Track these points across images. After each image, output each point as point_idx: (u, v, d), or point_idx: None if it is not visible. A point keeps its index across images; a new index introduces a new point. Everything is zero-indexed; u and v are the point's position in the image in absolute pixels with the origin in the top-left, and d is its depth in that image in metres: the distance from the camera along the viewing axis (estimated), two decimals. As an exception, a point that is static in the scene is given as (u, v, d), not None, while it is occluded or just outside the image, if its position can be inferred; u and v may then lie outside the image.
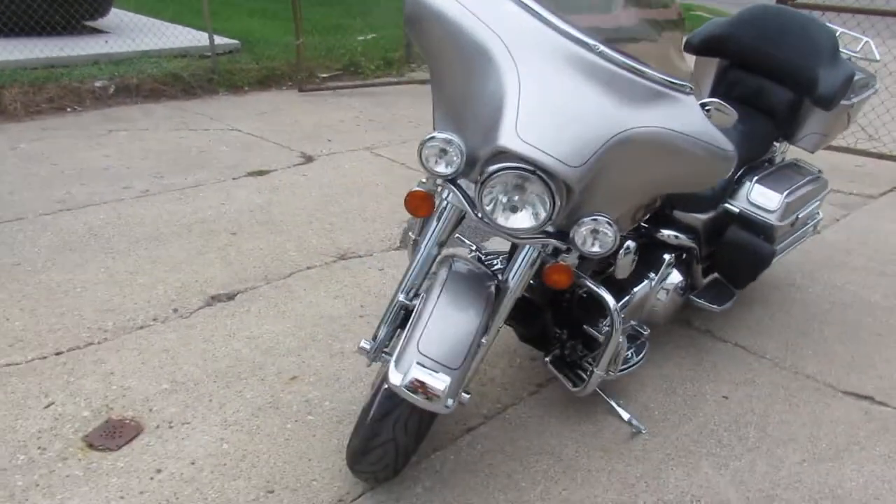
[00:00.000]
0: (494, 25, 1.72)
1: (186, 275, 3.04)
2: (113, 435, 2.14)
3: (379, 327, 1.97)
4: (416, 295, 1.93)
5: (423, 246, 1.93)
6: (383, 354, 1.95)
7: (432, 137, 1.71)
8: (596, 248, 1.73)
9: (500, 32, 1.71)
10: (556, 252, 1.88)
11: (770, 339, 2.76)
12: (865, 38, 2.81)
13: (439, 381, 1.60)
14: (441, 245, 1.94)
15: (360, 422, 2.05)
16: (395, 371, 1.63)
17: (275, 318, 2.77)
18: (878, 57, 2.78)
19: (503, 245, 2.16)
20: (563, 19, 1.72)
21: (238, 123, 5.26)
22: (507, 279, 1.91)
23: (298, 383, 2.40)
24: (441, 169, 1.74)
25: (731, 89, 2.73)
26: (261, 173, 4.31)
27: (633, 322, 2.34)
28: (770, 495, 1.98)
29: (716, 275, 2.69)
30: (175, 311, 2.78)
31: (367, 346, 1.94)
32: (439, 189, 1.87)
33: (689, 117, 1.75)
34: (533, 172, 1.61)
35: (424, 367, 1.62)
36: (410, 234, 2.32)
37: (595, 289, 1.96)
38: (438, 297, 1.74)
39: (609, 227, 1.69)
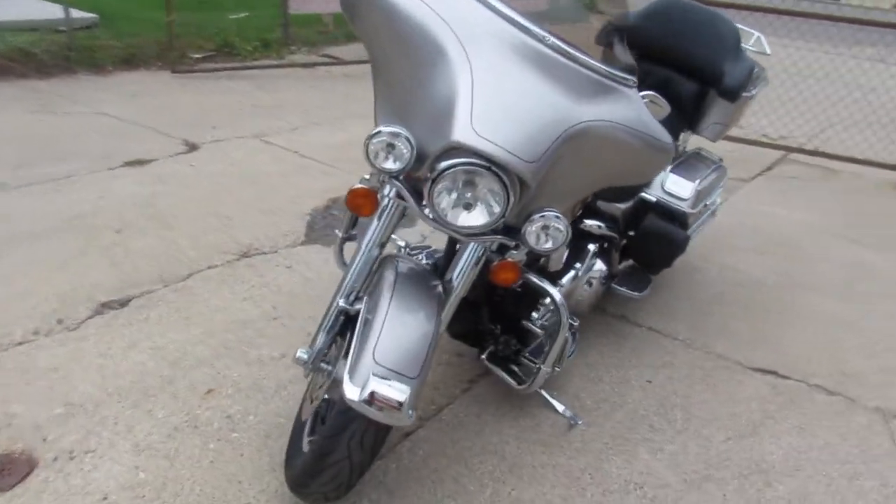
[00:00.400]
0: (444, 13, 1.62)
1: (69, 279, 2.71)
2: (1, 473, 1.87)
3: (316, 335, 1.84)
4: (358, 299, 1.82)
5: (363, 247, 1.81)
6: (322, 364, 1.82)
7: (379, 132, 1.59)
8: (549, 245, 1.69)
9: (450, 21, 1.62)
10: (501, 249, 1.83)
11: (679, 321, 2.88)
12: (757, 34, 2.96)
13: (400, 393, 1.50)
14: (382, 246, 1.83)
15: (294, 438, 1.91)
16: (351, 384, 1.51)
17: (179, 325, 2.53)
18: (768, 51, 2.94)
19: (438, 241, 2.09)
20: (512, 8, 1.65)
21: (106, 107, 4.79)
22: (450, 279, 1.83)
23: (216, 397, 2.21)
24: (389, 165, 1.62)
25: (639, 81, 2.78)
26: (140, 163, 3.95)
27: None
28: (705, 475, 2.06)
29: (630, 262, 2.76)
30: (60, 321, 2.48)
31: (305, 356, 1.80)
32: (382, 186, 1.76)
33: (634, 111, 1.75)
34: (488, 168, 1.54)
35: (382, 378, 1.51)
36: (338, 232, 2.20)
37: (541, 283, 1.93)
38: (390, 301, 1.63)
39: (561, 223, 1.66)
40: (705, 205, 2.71)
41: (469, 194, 1.60)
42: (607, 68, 1.69)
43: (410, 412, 1.53)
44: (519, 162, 1.53)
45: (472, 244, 1.81)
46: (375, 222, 1.80)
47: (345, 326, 1.84)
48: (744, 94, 2.67)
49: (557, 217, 1.65)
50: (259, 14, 8.60)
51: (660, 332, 2.78)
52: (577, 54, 1.65)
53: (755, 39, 2.95)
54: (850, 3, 18.83)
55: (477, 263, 1.83)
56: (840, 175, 4.96)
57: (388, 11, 1.65)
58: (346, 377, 1.53)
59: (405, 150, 1.60)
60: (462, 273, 1.82)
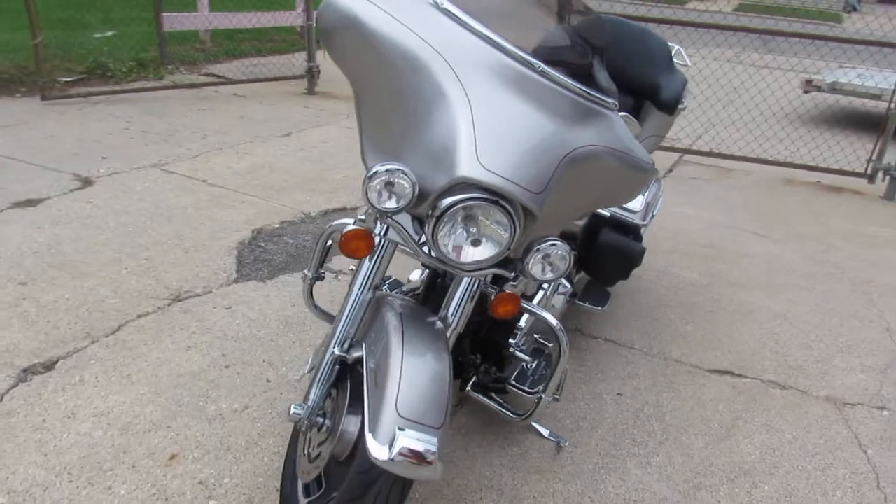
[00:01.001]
0: (433, 41, 1.55)
1: (-22, 346, 2.39)
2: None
3: (310, 388, 1.70)
4: (353, 346, 1.70)
5: (356, 290, 1.70)
6: (318, 419, 1.69)
7: (377, 171, 1.48)
8: (551, 274, 1.65)
9: (440, 49, 1.55)
10: (495, 280, 1.78)
11: (631, 329, 2.94)
12: (677, 46, 3.09)
13: (430, 446, 1.41)
14: (376, 288, 1.73)
15: (287, 501, 1.77)
16: (376, 443, 1.39)
17: (120, 384, 2.29)
18: (689, 63, 3.08)
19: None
20: (499, 34, 1.61)
21: (-25, 142, 4.30)
22: (446, 315, 1.76)
23: (181, 462, 2.00)
24: (392, 204, 1.53)
25: None
26: (30, 203, 3.57)
27: (535, 335, 2.33)
28: (696, 484, 2.10)
29: (582, 274, 2.79)
30: (-24, 396, 2.17)
31: (300, 412, 1.67)
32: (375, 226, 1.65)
33: (618, 133, 1.75)
34: (495, 202, 1.48)
35: (409, 431, 1.42)
36: (307, 272, 2.06)
37: (538, 312, 1.89)
38: (402, 347, 1.53)
39: (564, 251, 1.63)
40: (652, 215, 2.79)
41: (473, 229, 1.54)
42: (593, 92, 1.69)
43: (440, 465, 1.44)
44: (526, 193, 1.49)
45: (466, 279, 1.75)
46: (368, 264, 1.70)
47: (339, 377, 1.72)
48: (679, 107, 2.78)
49: (558, 245, 1.62)
50: (127, 32, 8.09)
51: (616, 343, 2.83)
52: (566, 79, 1.63)
53: (675, 51, 3.08)
54: (696, 7, 20.37)
55: (472, 298, 1.77)
56: (733, 173, 5.30)
57: (373, 40, 1.56)
58: (368, 435, 1.42)
59: (407, 187, 1.50)
60: (459, 308, 1.76)
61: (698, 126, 5.99)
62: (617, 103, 1.79)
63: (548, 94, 1.61)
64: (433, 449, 1.41)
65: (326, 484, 1.69)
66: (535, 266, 1.62)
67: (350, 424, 1.61)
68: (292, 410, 1.68)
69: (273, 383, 2.37)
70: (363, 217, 1.63)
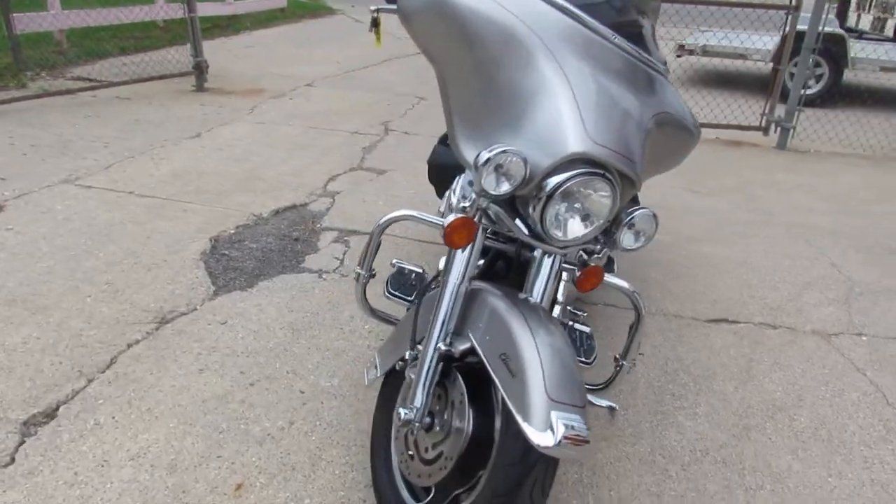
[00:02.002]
0: (524, 17, 1.52)
1: (-43, 404, 2.06)
2: None
3: (416, 390, 1.62)
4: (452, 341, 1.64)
5: (454, 282, 1.63)
6: (427, 420, 1.63)
7: (490, 157, 1.43)
8: (641, 242, 1.68)
9: (531, 24, 1.52)
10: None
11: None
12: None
13: (584, 425, 1.40)
14: (472, 279, 1.67)
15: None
16: (535, 430, 1.37)
17: (144, 421, 2.07)
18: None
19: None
20: (578, 6, 1.60)
21: None
22: (530, 296, 1.74)
23: (251, 491, 1.85)
24: (505, 188, 1.48)
25: None
26: (-61, 237, 3.11)
27: (568, 307, 2.36)
28: (744, 426, 2.23)
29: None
30: (-21, 461, 1.88)
31: (411, 415, 1.60)
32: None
33: (676, 98, 1.81)
34: (602, 175, 1.49)
35: (565, 414, 1.40)
36: (360, 271, 1.96)
37: (617, 282, 1.91)
38: (531, 332, 1.49)
39: (652, 218, 1.66)
40: None
41: (577, 204, 1.53)
42: (653, 59, 1.73)
43: (592, 444, 1.44)
44: (630, 163, 1.51)
45: (551, 257, 1.73)
46: (464, 253, 1.64)
47: (445, 371, 1.65)
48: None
49: (646, 211, 1.64)
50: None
51: (616, 306, 2.93)
52: (635, 48, 1.66)
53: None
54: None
55: (556, 276, 1.76)
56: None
57: (464, 19, 1.50)
58: (524, 425, 1.38)
59: (520, 169, 1.47)
60: (546, 287, 1.74)
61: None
62: (668, 68, 1.84)
63: (623, 63, 1.63)
64: (586, 428, 1.40)
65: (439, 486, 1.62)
66: (626, 236, 1.64)
67: (470, 419, 1.56)
68: (403, 416, 1.60)
69: (308, 394, 2.24)
70: (467, 205, 1.57)
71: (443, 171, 2.73)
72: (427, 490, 1.71)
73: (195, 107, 5.72)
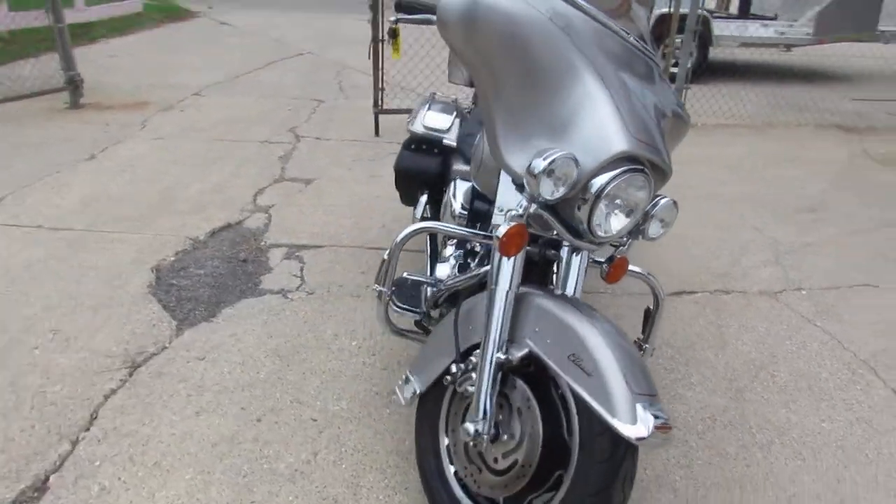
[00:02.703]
0: (558, 22, 1.54)
1: (-70, 492, 1.80)
2: None
3: (479, 402, 1.61)
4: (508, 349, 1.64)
5: (503, 289, 1.62)
6: (493, 429, 1.62)
7: (546, 164, 1.45)
8: (664, 230, 1.76)
9: (565, 29, 1.54)
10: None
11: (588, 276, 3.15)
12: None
13: (664, 413, 1.46)
14: (518, 286, 1.66)
15: None
16: (626, 424, 1.39)
17: (157, 477, 1.90)
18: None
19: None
20: (594, 6, 1.64)
21: None
22: (563, 292, 1.77)
23: (299, 533, 1.76)
24: (560, 192, 1.50)
25: None
26: None
27: None
28: (737, 388, 2.39)
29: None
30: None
31: (480, 427, 1.58)
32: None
33: (669, 87, 1.90)
34: (641, 170, 1.55)
35: (650, 406, 1.44)
36: (381, 289, 1.90)
37: (637, 270, 1.97)
38: (596, 328, 1.52)
39: (673, 205, 1.73)
40: None
41: (618, 201, 1.58)
42: (656, 55, 1.80)
43: None
44: (662, 156, 1.58)
45: (576, 253, 1.77)
46: (510, 261, 1.63)
47: (503, 379, 1.65)
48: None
49: (670, 202, 1.71)
50: None
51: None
52: (644, 45, 1.73)
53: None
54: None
55: (586, 270, 1.80)
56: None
57: (506, 26, 1.49)
58: (613, 421, 1.41)
59: (574, 173, 1.49)
60: (577, 282, 1.77)
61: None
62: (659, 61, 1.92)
63: (637, 59, 1.69)
64: (665, 414, 1.46)
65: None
66: (654, 225, 1.71)
67: (541, 423, 1.57)
68: (471, 430, 1.59)
69: (321, 421, 2.15)
70: (520, 212, 1.57)
71: (409, 176, 2.69)
72: (491, 500, 1.70)
73: (76, 126, 5.25)
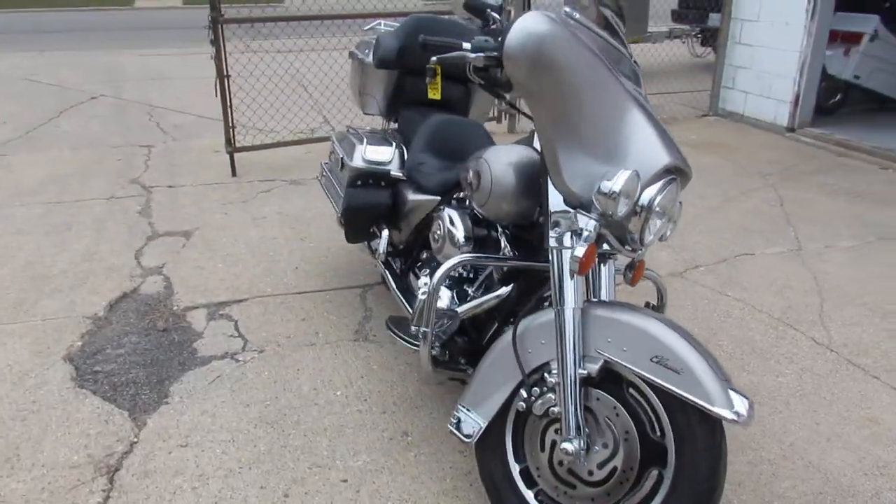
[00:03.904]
0: (594, 49, 1.65)
1: None
2: None
3: (569, 421, 1.65)
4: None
5: (571, 307, 1.68)
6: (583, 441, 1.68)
7: (622, 184, 1.56)
8: (671, 229, 1.93)
9: (600, 55, 1.66)
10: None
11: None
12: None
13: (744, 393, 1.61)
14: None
15: None
16: (727, 410, 1.52)
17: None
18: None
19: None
20: (602, 32, 1.78)
21: None
22: (599, 298, 1.88)
23: None
24: (626, 209, 1.61)
25: (409, 94, 2.94)
26: None
27: None
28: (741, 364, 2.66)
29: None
30: None
31: (576, 444, 1.64)
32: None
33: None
34: (674, 179, 1.72)
35: (733, 389, 1.58)
36: (424, 329, 1.88)
37: (651, 272, 2.11)
38: (666, 327, 1.63)
39: (681, 206, 1.91)
40: None
41: (658, 209, 1.73)
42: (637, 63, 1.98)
43: None
44: (688, 165, 1.76)
45: (604, 264, 1.89)
46: (573, 280, 1.70)
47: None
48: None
49: (678, 203, 1.90)
50: None
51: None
52: (631, 56, 1.89)
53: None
54: (146, 6, 20.29)
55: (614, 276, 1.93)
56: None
57: (566, 58, 1.59)
58: (715, 409, 1.53)
59: (638, 189, 1.61)
60: (609, 287, 1.89)
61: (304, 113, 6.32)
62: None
63: (635, 74, 1.86)
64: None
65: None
66: (670, 227, 1.88)
67: (634, 426, 1.66)
68: (569, 449, 1.63)
69: (352, 480, 2.05)
70: (590, 232, 1.64)
71: (362, 213, 2.63)
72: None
73: None
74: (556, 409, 1.70)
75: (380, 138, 2.78)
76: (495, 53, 1.71)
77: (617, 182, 1.56)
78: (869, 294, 3.15)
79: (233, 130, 4.87)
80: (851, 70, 6.03)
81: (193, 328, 2.91)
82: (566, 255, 1.70)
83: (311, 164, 5.12)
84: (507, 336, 1.81)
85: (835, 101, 6.30)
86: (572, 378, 1.66)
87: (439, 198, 2.42)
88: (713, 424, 1.58)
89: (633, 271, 1.93)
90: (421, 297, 2.00)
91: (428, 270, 2.46)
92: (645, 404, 1.68)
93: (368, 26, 3.29)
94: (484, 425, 1.81)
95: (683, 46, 9.18)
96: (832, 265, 3.45)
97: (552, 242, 1.72)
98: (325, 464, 2.11)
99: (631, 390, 1.70)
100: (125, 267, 3.44)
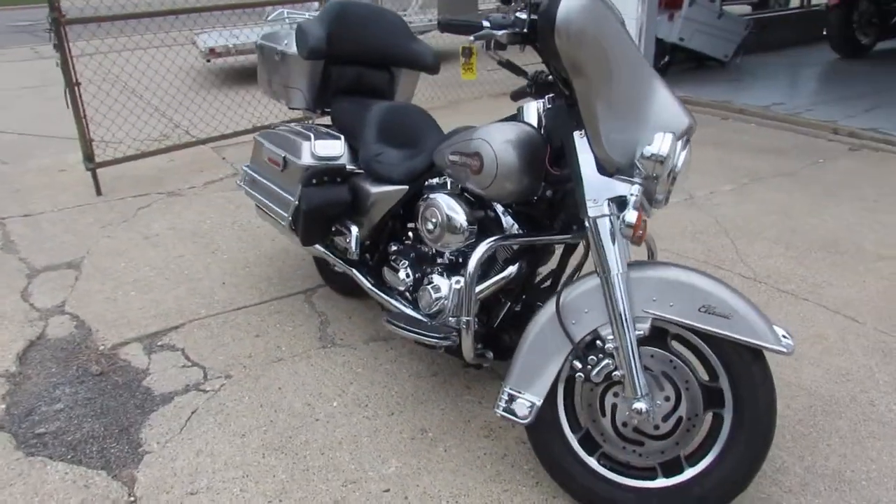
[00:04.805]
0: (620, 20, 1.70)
1: None
2: None
3: (635, 381, 1.71)
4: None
5: (617, 272, 1.72)
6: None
7: (668, 147, 1.63)
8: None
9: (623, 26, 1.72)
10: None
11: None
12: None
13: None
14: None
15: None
16: (778, 346, 1.65)
17: None
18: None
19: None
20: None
21: None
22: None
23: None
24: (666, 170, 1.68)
25: (337, 84, 2.82)
26: None
27: None
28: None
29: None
30: None
31: (646, 405, 1.70)
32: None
33: None
34: (688, 140, 1.82)
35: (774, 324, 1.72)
36: (467, 319, 1.84)
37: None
38: (707, 279, 1.73)
39: None
40: None
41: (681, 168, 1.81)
42: None
43: None
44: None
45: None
46: (617, 245, 1.74)
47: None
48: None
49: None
50: None
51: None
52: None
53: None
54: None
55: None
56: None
57: (613, 29, 1.62)
58: (771, 346, 1.65)
59: (676, 151, 1.69)
60: (628, 249, 1.96)
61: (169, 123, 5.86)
62: None
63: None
64: (784, 327, 1.77)
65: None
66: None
67: (693, 375, 1.75)
68: (642, 408, 1.69)
69: (395, 488, 1.96)
70: (636, 196, 1.68)
71: (323, 213, 2.49)
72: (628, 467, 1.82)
73: None
74: (617, 374, 1.74)
75: (328, 133, 2.64)
76: (523, 29, 1.70)
77: (663, 145, 1.62)
78: (766, 229, 3.53)
79: (91, 144, 4.35)
80: (677, 33, 6.66)
81: (134, 366, 2.60)
82: (604, 222, 1.73)
83: (178, 172, 4.75)
84: (547, 312, 1.82)
85: (664, 63, 6.92)
86: (631, 340, 1.71)
87: (407, 187, 2.36)
88: (763, 360, 1.71)
89: (641, 231, 1.99)
90: (455, 286, 1.94)
91: (407, 262, 2.40)
92: (687, 353, 1.77)
93: (272, 16, 3.09)
94: (539, 403, 1.81)
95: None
96: (725, 208, 3.82)
97: (592, 212, 1.74)
98: (357, 478, 2.00)
99: (673, 342, 1.79)
100: (16, 312, 2.98)
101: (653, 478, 1.80)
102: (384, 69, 2.90)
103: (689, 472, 1.76)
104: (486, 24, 1.73)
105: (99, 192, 4.41)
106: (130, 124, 5.14)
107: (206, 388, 2.43)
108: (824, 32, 7.37)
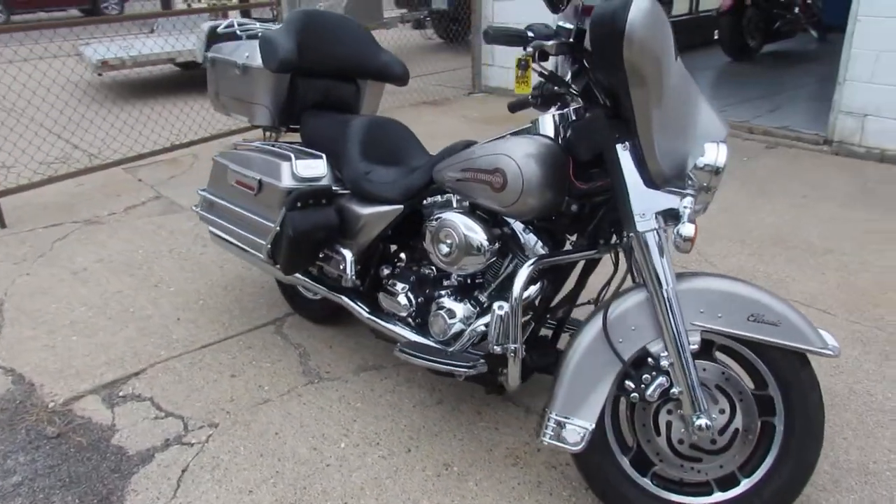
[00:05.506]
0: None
1: None
2: None
3: (695, 396, 1.67)
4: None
5: (668, 287, 1.67)
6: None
7: (720, 157, 1.61)
8: None
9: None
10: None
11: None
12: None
13: (822, 327, 1.78)
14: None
15: None
16: (825, 349, 1.65)
17: None
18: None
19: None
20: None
21: None
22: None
23: None
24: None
25: (304, 98, 2.64)
26: None
27: None
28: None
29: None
30: None
31: (707, 417, 1.67)
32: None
33: None
34: None
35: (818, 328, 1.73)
36: (514, 346, 1.74)
37: None
38: (751, 287, 1.72)
39: None
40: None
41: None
42: None
43: None
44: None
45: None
46: (665, 259, 1.69)
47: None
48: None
49: None
50: None
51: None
52: None
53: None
54: None
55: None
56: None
57: (664, 44, 1.56)
58: (821, 350, 1.65)
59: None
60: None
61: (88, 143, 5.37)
62: None
63: None
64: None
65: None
66: None
67: (743, 388, 1.73)
68: (704, 423, 1.65)
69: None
70: (690, 209, 1.64)
71: (311, 237, 2.30)
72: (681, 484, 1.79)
73: None
74: (674, 391, 1.69)
75: (302, 151, 2.45)
76: (569, 39, 1.62)
77: (719, 156, 1.59)
78: (721, 227, 3.64)
79: (-9, 171, 3.88)
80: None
81: (97, 422, 2.30)
82: (652, 236, 1.68)
83: (92, 198, 4.34)
84: (591, 332, 1.75)
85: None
86: (687, 355, 1.66)
87: (402, 207, 2.23)
88: (809, 365, 1.71)
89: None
90: (497, 311, 1.82)
91: (406, 286, 2.26)
92: (732, 363, 1.76)
93: (223, 26, 2.84)
94: (592, 427, 1.73)
95: (416, 31, 9.51)
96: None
97: (641, 227, 1.68)
98: (393, 525, 1.84)
99: (717, 353, 1.76)
100: (-66, 371, 2.58)
101: (708, 493, 1.76)
102: (351, 81, 2.74)
103: (746, 484, 1.74)
104: (530, 34, 1.64)
105: (3, 225, 3.93)
106: (20, 150, 4.62)
107: (192, 441, 2.18)
108: (716, 37, 7.80)
